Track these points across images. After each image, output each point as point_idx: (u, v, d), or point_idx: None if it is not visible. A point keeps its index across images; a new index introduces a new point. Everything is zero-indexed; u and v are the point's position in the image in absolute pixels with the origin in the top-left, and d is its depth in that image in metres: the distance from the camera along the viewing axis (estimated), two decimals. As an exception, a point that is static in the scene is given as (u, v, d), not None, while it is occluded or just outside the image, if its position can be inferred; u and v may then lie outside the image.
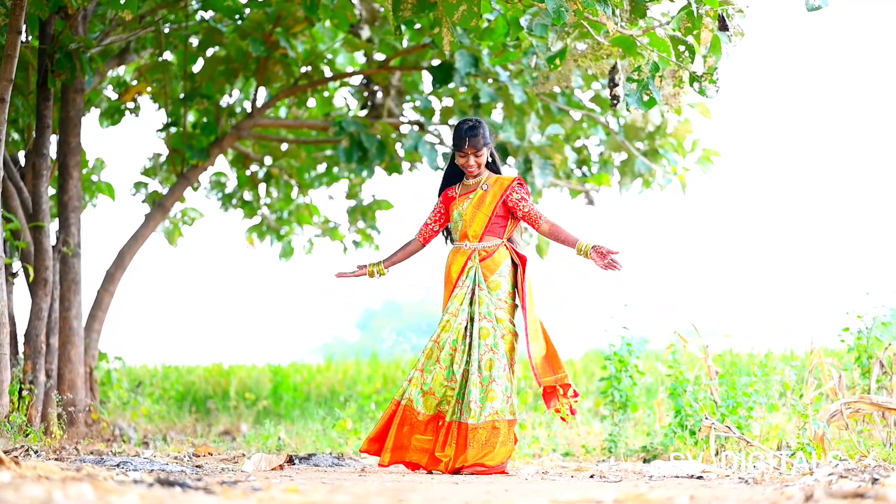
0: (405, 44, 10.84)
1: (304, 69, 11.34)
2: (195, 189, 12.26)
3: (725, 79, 7.03)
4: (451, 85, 10.61)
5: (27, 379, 8.44)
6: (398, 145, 11.04)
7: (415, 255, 6.95)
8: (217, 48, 11.12)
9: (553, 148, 10.55)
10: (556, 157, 10.54)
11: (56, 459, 6.72)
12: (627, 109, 7.27)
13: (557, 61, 7.65)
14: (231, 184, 12.82)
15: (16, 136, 9.96)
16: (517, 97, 10.04)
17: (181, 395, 13.70)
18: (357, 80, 11.56)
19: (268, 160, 12.54)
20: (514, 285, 6.70)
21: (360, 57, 11.84)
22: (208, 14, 11.07)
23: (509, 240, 6.74)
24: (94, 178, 10.98)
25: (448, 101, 11.25)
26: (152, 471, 5.87)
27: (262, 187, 12.81)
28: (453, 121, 10.99)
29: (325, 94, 12.25)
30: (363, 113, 11.41)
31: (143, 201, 12.10)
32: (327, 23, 11.00)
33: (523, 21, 7.94)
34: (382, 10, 10.39)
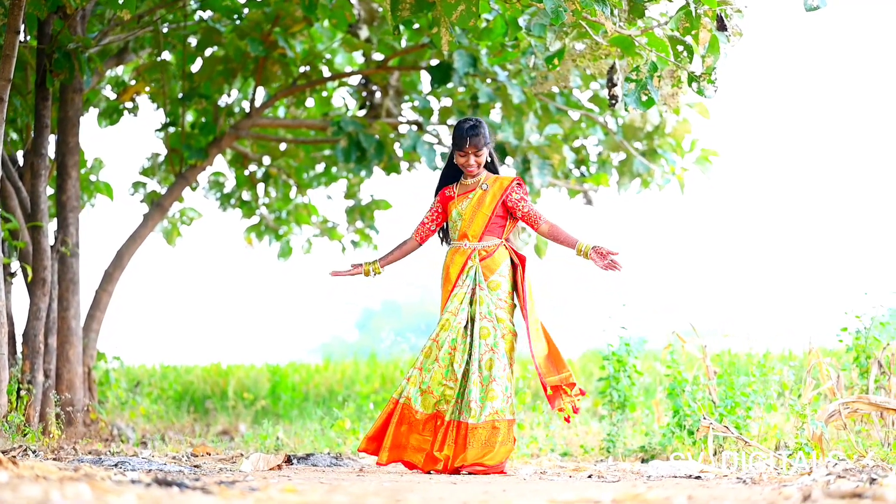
0: (404, 44, 10.84)
1: (302, 69, 11.34)
2: (193, 189, 12.26)
3: (724, 79, 7.03)
4: (450, 85, 10.61)
5: (25, 379, 8.44)
6: (397, 145, 11.04)
7: (411, 254, 6.95)
8: (215, 48, 11.12)
9: (551, 148, 10.55)
10: (554, 157, 10.54)
11: (54, 459, 6.72)
12: (626, 109, 7.26)
13: (556, 61, 7.65)
14: (229, 184, 12.82)
15: (14, 135, 9.96)
16: (516, 97, 10.04)
17: (179, 394, 13.70)
18: (355, 79, 11.56)
19: (266, 160, 12.54)
20: (514, 285, 6.71)
21: (358, 57, 11.84)
22: (207, 14, 11.07)
23: (506, 240, 6.75)
24: (93, 177, 10.98)
25: (446, 101, 11.25)
26: (150, 471, 5.87)
27: (260, 187, 12.81)
28: (452, 121, 10.99)
29: (324, 93, 12.25)
30: (362, 113, 11.41)
31: (141, 201, 12.11)
32: (326, 23, 11.00)
33: (522, 21, 7.94)
34: (381, 9, 10.39)
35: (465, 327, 6.57)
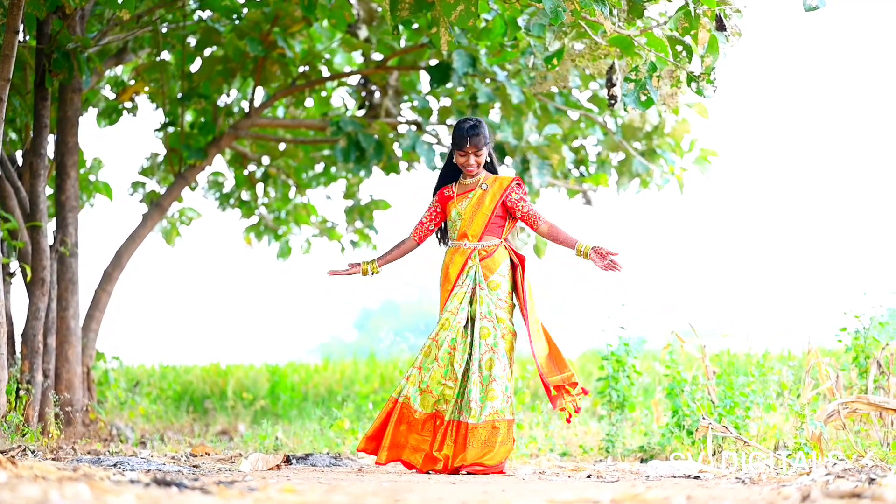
0: (403, 44, 10.84)
1: (301, 69, 11.34)
2: (193, 189, 12.26)
3: (723, 79, 7.03)
4: (449, 85, 10.60)
5: (24, 379, 8.44)
6: (396, 145, 11.04)
7: (409, 253, 6.95)
8: (215, 48, 11.12)
9: (551, 148, 10.55)
10: (553, 157, 10.54)
11: (53, 459, 6.72)
12: (625, 109, 7.26)
13: (555, 61, 7.65)
14: (229, 183, 12.82)
15: (13, 135, 9.96)
16: (515, 97, 10.04)
17: (178, 394, 13.70)
18: (355, 79, 11.56)
19: (265, 160, 12.53)
20: (513, 285, 6.71)
21: (357, 57, 11.84)
22: (206, 14, 11.07)
23: (505, 240, 6.75)
24: (92, 177, 10.98)
25: (446, 101, 11.25)
26: (149, 471, 5.87)
27: (259, 187, 12.81)
28: (451, 121, 10.99)
29: (323, 93, 12.25)
30: (361, 113, 11.41)
31: (140, 201, 12.11)
32: (325, 23, 11.00)
33: (521, 21, 7.94)
34: (380, 9, 10.39)
35: (465, 327, 6.57)
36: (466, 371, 6.51)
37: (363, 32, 10.60)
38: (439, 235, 6.94)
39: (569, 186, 11.40)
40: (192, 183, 11.61)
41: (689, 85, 7.03)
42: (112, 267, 10.40)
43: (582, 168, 11.58)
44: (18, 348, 8.72)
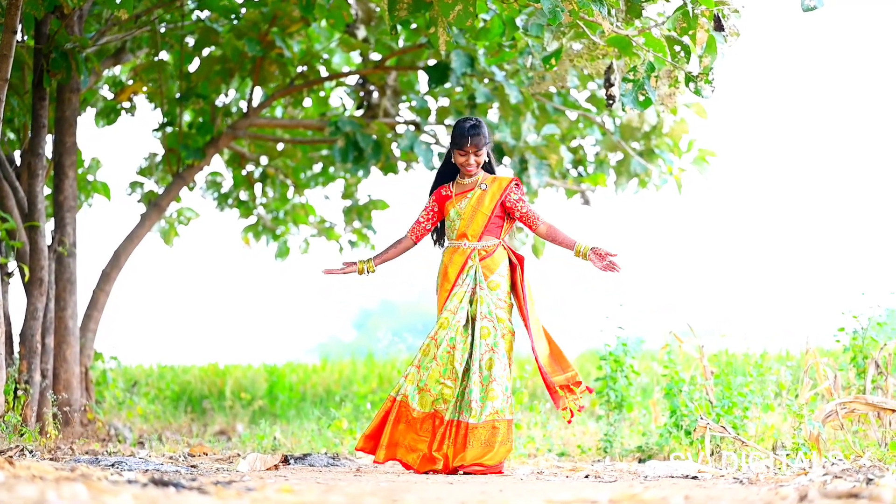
0: (401, 44, 10.84)
1: (300, 69, 11.34)
2: (191, 189, 12.25)
3: (721, 79, 7.04)
4: (447, 85, 10.60)
5: (22, 379, 8.43)
6: (394, 145, 11.04)
7: (405, 252, 6.95)
8: (213, 48, 11.11)
9: (549, 148, 10.55)
10: (551, 157, 10.54)
11: (51, 459, 6.71)
12: (623, 109, 7.26)
13: (553, 61, 7.65)
14: (227, 183, 12.82)
15: (11, 135, 9.95)
16: (513, 97, 10.04)
17: (177, 394, 13.69)
18: (353, 79, 11.56)
19: (264, 160, 12.53)
20: (512, 285, 6.71)
21: (356, 57, 11.84)
22: (204, 14, 11.06)
23: (503, 240, 6.75)
24: (90, 177, 10.97)
25: (444, 101, 11.25)
26: (147, 471, 5.87)
27: (257, 187, 12.81)
28: (449, 121, 10.98)
29: (321, 93, 12.24)
30: (359, 113, 11.41)
31: (138, 201, 12.11)
32: (323, 23, 11.00)
33: (519, 21, 7.94)
34: (378, 9, 10.39)
35: (465, 326, 6.57)
36: (466, 371, 6.52)
37: (361, 32, 10.60)
38: (434, 237, 6.94)
39: (567, 186, 11.40)
40: (191, 183, 11.60)
41: (687, 85, 7.03)
42: (110, 267, 10.39)
43: (580, 168, 11.58)
44: (16, 348, 8.72)
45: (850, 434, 7.14)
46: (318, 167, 12.64)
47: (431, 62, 10.60)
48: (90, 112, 11.63)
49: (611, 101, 7.44)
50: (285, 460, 6.96)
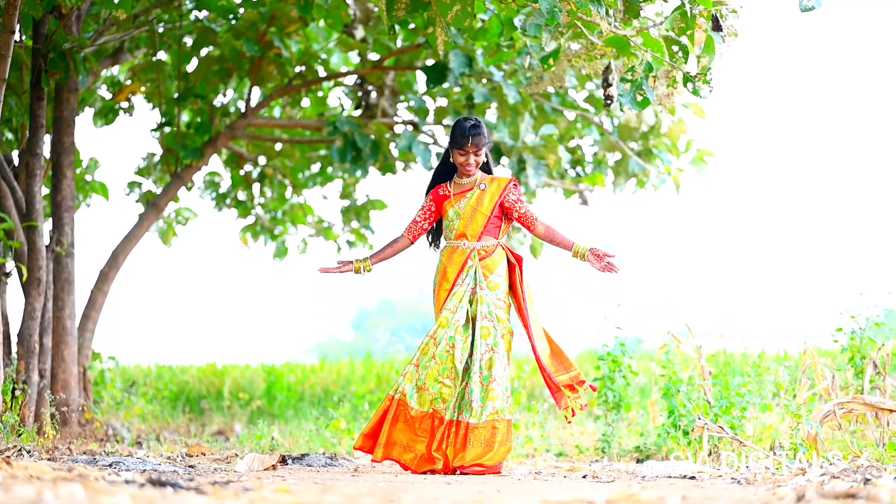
0: (399, 44, 10.84)
1: (298, 69, 11.34)
2: (189, 189, 12.25)
3: (719, 79, 7.03)
4: (446, 85, 10.60)
5: (20, 379, 8.43)
6: (392, 145, 11.04)
7: (402, 252, 6.94)
8: (211, 48, 11.11)
9: (547, 148, 10.55)
10: (549, 158, 10.54)
11: (49, 459, 6.71)
12: (621, 109, 7.26)
13: (551, 61, 7.65)
14: (225, 183, 12.82)
15: (9, 135, 9.94)
16: (511, 97, 10.04)
17: (175, 394, 13.69)
18: (351, 79, 11.56)
19: (262, 160, 12.53)
20: (510, 285, 6.72)
21: (354, 57, 11.84)
22: (202, 14, 11.06)
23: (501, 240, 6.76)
24: (88, 177, 10.97)
25: (442, 102, 11.25)
26: (144, 471, 5.86)
27: (256, 187, 12.80)
28: (447, 121, 10.98)
29: (320, 93, 12.24)
30: (357, 113, 11.41)
31: (136, 201, 12.10)
32: (321, 22, 10.99)
33: (517, 21, 7.94)
34: (376, 9, 10.39)
35: (464, 325, 6.57)
36: (466, 370, 6.52)
37: (359, 32, 10.59)
38: (430, 238, 6.93)
39: (565, 187, 11.40)
40: (189, 183, 11.60)
41: (685, 85, 7.03)
42: (108, 267, 10.39)
43: (578, 168, 11.58)
44: (14, 348, 8.72)
45: (847, 434, 7.14)
46: (316, 167, 12.64)
47: (429, 62, 10.60)
48: (88, 112, 11.62)
49: (609, 102, 7.45)
50: (283, 460, 6.95)
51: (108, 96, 11.80)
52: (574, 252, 6.64)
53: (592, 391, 6.82)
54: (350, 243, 12.76)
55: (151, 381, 13.69)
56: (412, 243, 6.91)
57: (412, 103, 11.17)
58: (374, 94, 11.22)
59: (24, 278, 8.66)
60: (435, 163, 10.50)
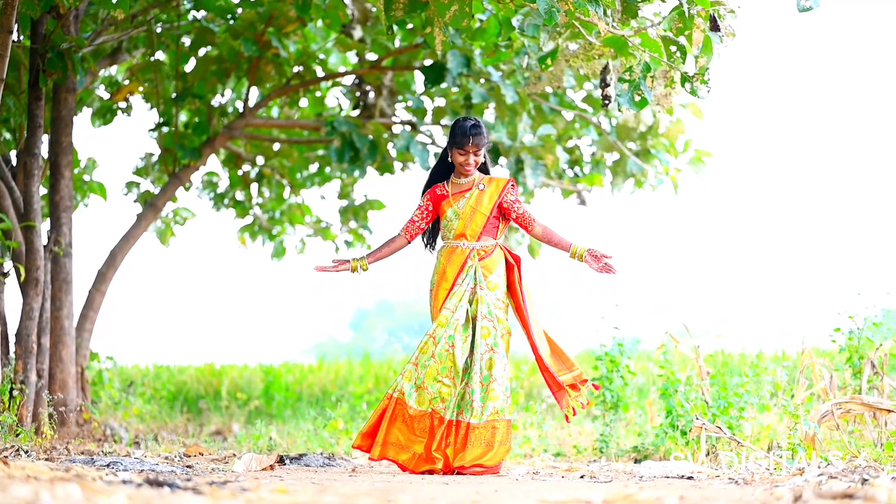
0: (397, 44, 10.84)
1: (296, 69, 11.34)
2: (187, 189, 12.25)
3: (717, 79, 7.04)
4: (444, 85, 10.61)
5: (18, 379, 8.43)
6: (390, 145, 11.04)
7: (398, 251, 6.94)
8: (209, 48, 11.11)
9: (545, 148, 10.55)
10: (547, 158, 10.54)
11: (46, 459, 6.71)
12: (619, 110, 7.26)
13: (549, 61, 7.65)
14: (223, 184, 12.82)
15: (7, 135, 9.94)
16: (509, 97, 10.04)
17: (173, 394, 13.68)
18: (349, 80, 11.56)
19: (260, 160, 12.53)
20: (508, 285, 6.72)
21: (352, 57, 11.84)
22: (200, 14, 11.06)
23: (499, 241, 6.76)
24: (86, 177, 10.96)
25: (440, 102, 11.25)
26: (142, 471, 5.86)
27: (254, 187, 12.80)
28: (445, 121, 10.99)
29: (317, 93, 12.24)
30: (355, 113, 11.40)
31: (134, 201, 12.10)
32: (319, 23, 10.99)
33: (515, 21, 7.95)
34: (374, 9, 10.39)
35: (464, 325, 6.56)
36: (466, 370, 6.52)
37: (357, 32, 10.59)
38: (426, 239, 6.93)
39: (563, 187, 11.40)
40: (187, 183, 11.60)
41: (683, 85, 7.03)
42: (106, 267, 10.38)
43: (576, 168, 11.59)
44: (12, 348, 8.71)
45: (845, 434, 7.14)
46: (314, 167, 12.64)
47: (428, 62, 10.60)
48: (86, 112, 11.62)
49: (607, 102, 7.45)
50: (281, 460, 6.95)
51: (106, 96, 11.79)
52: (572, 253, 6.64)
53: (595, 389, 6.84)
54: (348, 243, 12.76)
55: (149, 381, 13.68)
56: (409, 243, 6.91)
57: (410, 103, 11.18)
58: (372, 95, 11.22)
59: (22, 278, 8.66)
60: (433, 163, 10.50)
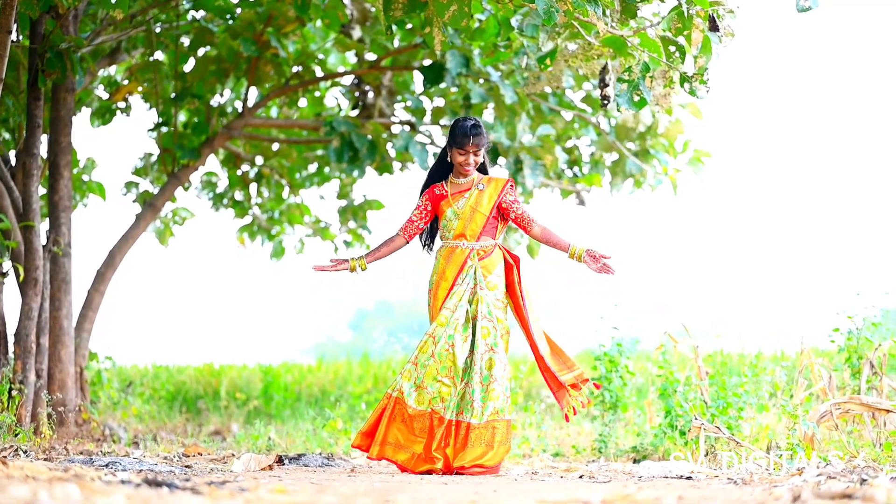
0: (396, 44, 10.84)
1: (295, 69, 11.34)
2: (186, 189, 12.25)
3: (716, 79, 7.04)
4: (443, 85, 10.61)
5: (17, 379, 8.43)
6: (389, 145, 11.04)
7: (397, 251, 6.93)
8: (208, 48, 11.12)
9: (544, 148, 10.55)
10: (546, 158, 10.54)
11: (45, 459, 6.71)
12: (618, 110, 7.28)
13: (548, 61, 7.65)
14: (222, 184, 12.82)
15: (6, 135, 9.95)
16: (508, 97, 10.05)
17: (172, 394, 13.68)
18: (348, 80, 11.56)
19: (259, 160, 12.53)
20: (507, 286, 6.72)
21: (351, 57, 11.84)
22: (199, 14, 11.06)
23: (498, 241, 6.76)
24: (85, 177, 10.96)
25: (439, 102, 11.25)
26: (141, 471, 5.86)
27: (253, 187, 12.81)
28: (445, 121, 10.99)
29: (317, 93, 12.24)
30: (354, 113, 11.41)
31: (133, 201, 12.10)
32: (318, 23, 11.00)
33: (514, 21, 7.94)
34: (374, 9, 10.39)
35: (464, 325, 6.56)
36: (466, 370, 6.52)
37: (357, 32, 10.59)
38: (424, 239, 6.92)
39: (562, 187, 11.40)
40: (186, 183, 11.60)
41: (682, 85, 7.03)
42: (105, 267, 10.39)
43: (575, 168, 11.59)
44: (11, 348, 8.71)
45: (844, 434, 7.14)
46: (313, 167, 12.65)
47: (427, 62, 10.60)
48: (85, 112, 11.62)
49: (606, 102, 7.45)
50: (280, 460, 6.95)
51: (105, 96, 11.79)
52: (570, 253, 6.64)
53: (596, 388, 6.85)
54: (347, 243, 12.76)
55: (148, 381, 13.68)
56: (407, 242, 6.90)
57: (409, 103, 11.17)
58: (371, 95, 11.22)
59: (21, 278, 8.66)
60: (432, 163, 10.50)
